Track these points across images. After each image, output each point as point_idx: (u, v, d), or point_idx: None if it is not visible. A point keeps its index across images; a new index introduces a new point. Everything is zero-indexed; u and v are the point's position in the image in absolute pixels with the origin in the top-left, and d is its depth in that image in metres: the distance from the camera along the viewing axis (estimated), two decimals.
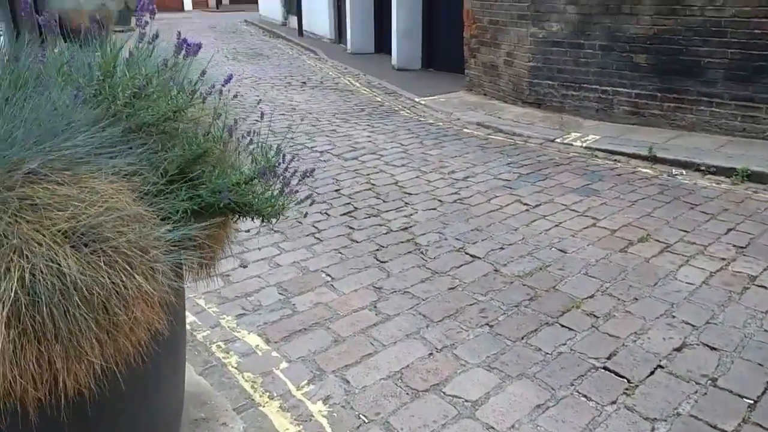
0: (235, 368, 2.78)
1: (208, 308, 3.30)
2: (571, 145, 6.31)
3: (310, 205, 1.96)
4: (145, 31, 1.72)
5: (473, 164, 5.79)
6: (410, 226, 4.34)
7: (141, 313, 1.40)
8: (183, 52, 1.60)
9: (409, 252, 3.93)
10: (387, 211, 4.63)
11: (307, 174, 1.88)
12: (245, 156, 1.80)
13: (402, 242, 4.08)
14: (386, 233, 4.23)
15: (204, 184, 1.65)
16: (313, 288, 3.48)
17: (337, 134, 6.95)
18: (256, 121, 1.95)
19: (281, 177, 1.79)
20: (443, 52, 10.96)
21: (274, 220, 1.86)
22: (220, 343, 2.99)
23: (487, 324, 3.10)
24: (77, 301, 1.25)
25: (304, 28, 16.97)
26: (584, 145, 6.25)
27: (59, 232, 1.26)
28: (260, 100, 8.26)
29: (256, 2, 24.50)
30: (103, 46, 1.62)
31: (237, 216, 1.83)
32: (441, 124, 7.48)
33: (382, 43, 13.00)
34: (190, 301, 3.31)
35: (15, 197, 1.25)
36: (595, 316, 3.15)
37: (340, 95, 9.34)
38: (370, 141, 6.65)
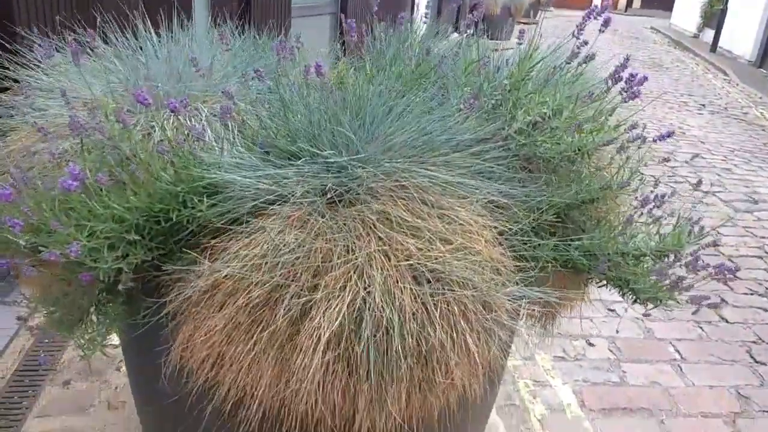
0: (538, 420, 2.44)
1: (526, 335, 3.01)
2: None
3: (701, 305, 1.44)
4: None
5: None
6: None
7: (460, 376, 1.15)
8: (621, 85, 1.23)
9: None
10: None
11: (725, 274, 1.37)
12: (644, 220, 1.39)
13: None
14: None
15: (580, 237, 1.31)
16: (653, 360, 2.86)
17: (731, 175, 5.77)
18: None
19: (685, 265, 1.33)
20: None
21: (650, 306, 1.42)
22: (528, 381, 2.68)
23: None
24: (398, 346, 1.06)
25: (719, 44, 14.81)
26: None
27: (406, 260, 1.08)
28: (695, 155, 6.53)
29: (669, 9, 22.50)
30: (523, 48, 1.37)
31: (605, 284, 1.44)
32: None
33: None
34: None
35: (375, 209, 1.11)
36: None
37: (745, 129, 7.79)
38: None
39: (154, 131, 1.26)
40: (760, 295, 3.56)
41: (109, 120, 1.11)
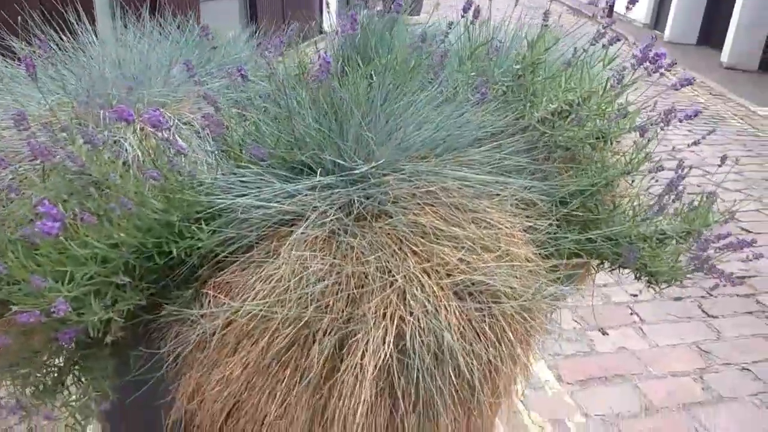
0: (521, 401, 2.42)
1: None
2: None
3: (729, 281, 1.43)
4: None
5: None
6: (749, 276, 3.44)
7: (504, 389, 1.06)
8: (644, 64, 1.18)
9: (749, 312, 3.09)
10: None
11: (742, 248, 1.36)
12: (662, 201, 1.35)
13: (738, 296, 3.24)
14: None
15: (597, 224, 1.25)
16: (616, 325, 2.93)
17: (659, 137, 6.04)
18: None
19: (708, 246, 1.31)
20: None
21: (664, 286, 1.39)
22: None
23: None
24: (449, 371, 0.95)
25: (615, 9, 15.50)
26: None
27: (448, 275, 0.96)
28: None
29: None
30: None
31: (616, 268, 1.40)
32: None
33: (709, 34, 11.18)
34: None
35: (406, 220, 0.98)
36: None
37: (657, 90, 8.19)
38: (693, 152, 5.62)
39: (123, 148, 1.06)
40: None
41: (76, 142, 0.91)
